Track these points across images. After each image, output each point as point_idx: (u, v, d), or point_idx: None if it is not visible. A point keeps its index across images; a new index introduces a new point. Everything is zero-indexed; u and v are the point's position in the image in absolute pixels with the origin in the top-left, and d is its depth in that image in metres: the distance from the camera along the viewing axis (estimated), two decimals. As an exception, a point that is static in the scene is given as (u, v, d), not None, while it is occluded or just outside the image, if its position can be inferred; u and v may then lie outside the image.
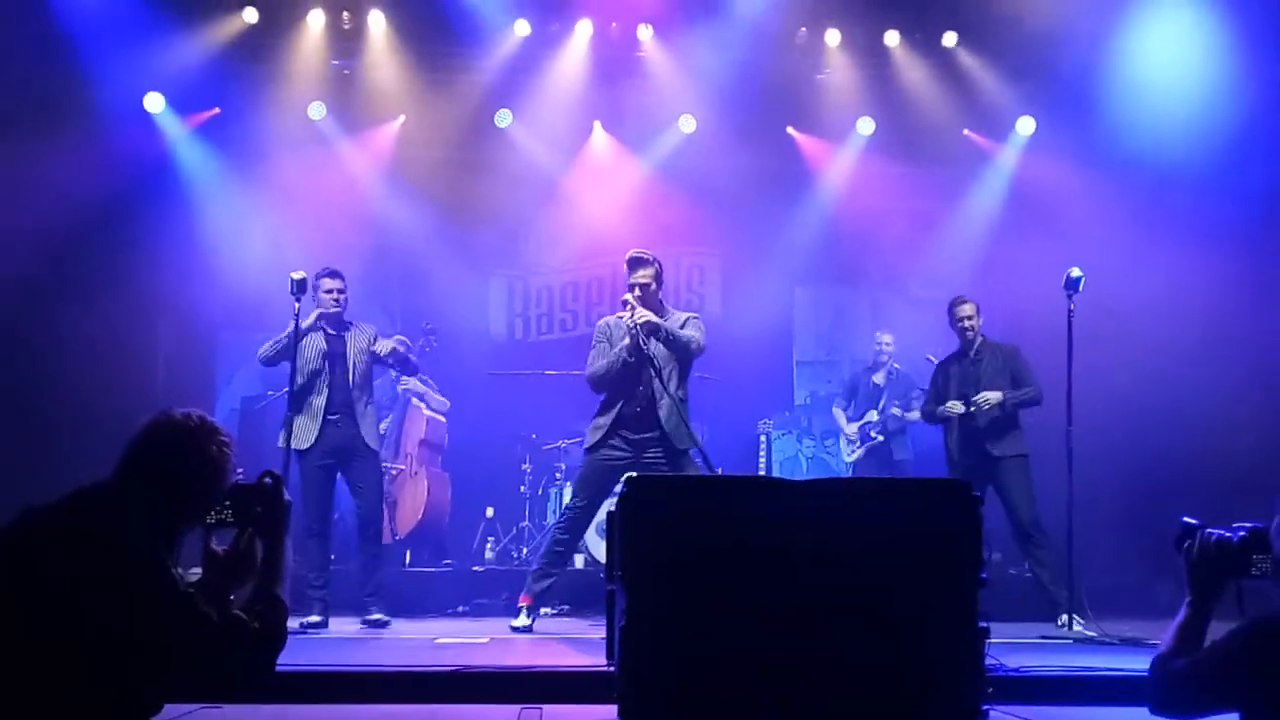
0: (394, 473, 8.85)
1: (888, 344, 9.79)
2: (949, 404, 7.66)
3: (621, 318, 6.65)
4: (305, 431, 7.08)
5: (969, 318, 7.72)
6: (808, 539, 3.56)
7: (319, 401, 7.10)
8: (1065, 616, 6.88)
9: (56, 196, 8.41)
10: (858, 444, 9.72)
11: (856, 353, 10.07)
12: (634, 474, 4.05)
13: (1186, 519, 2.81)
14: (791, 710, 3.48)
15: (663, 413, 6.59)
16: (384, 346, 7.27)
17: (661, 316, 6.71)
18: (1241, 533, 2.70)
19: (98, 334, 8.64)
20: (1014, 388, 7.50)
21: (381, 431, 8.19)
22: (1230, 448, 8.43)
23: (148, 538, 2.66)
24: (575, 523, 6.92)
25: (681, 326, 6.70)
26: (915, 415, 9.43)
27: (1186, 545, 2.77)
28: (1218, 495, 8.22)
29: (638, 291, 6.64)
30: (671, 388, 6.57)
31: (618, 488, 3.82)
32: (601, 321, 6.98)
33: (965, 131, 10.34)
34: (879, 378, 9.79)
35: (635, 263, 6.71)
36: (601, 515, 8.51)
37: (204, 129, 9.82)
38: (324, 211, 9.68)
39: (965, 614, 3.56)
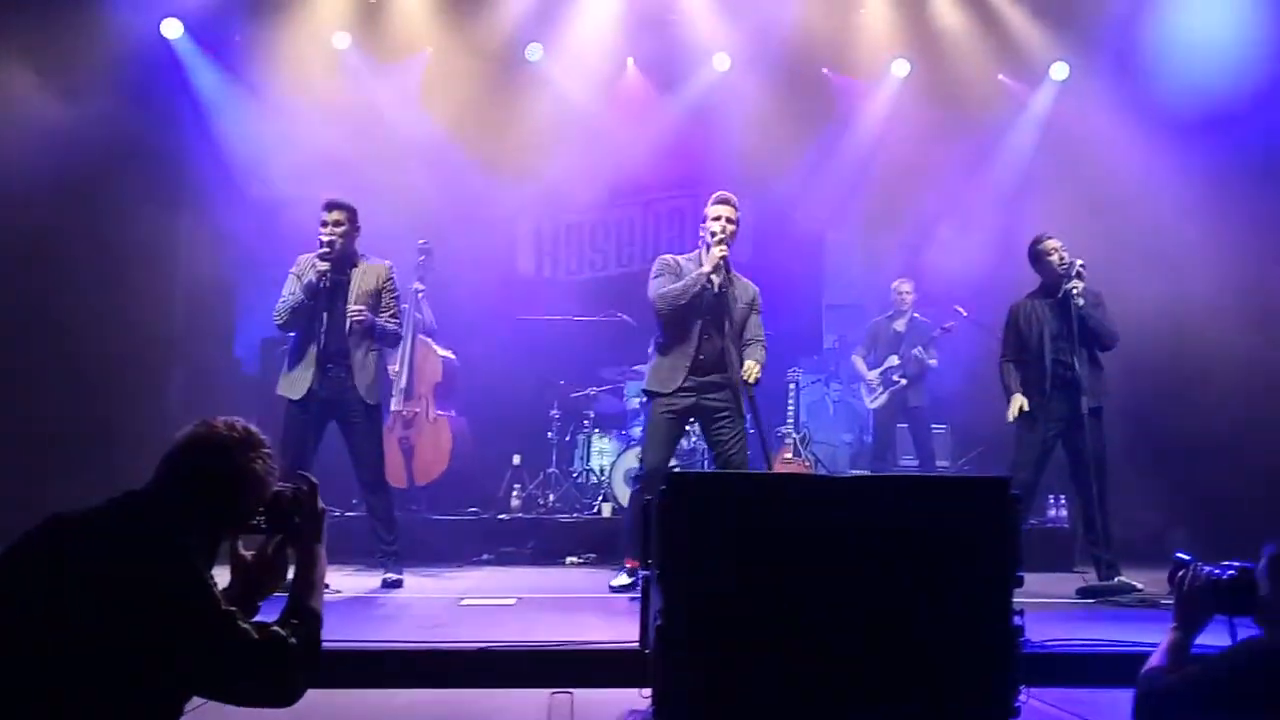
0: (408, 416, 8.59)
1: (907, 292, 9.77)
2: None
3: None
4: (299, 380, 6.52)
5: (1062, 249, 7.01)
6: (846, 536, 3.52)
7: (314, 348, 6.49)
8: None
9: (72, 128, 8.20)
10: (880, 390, 9.71)
11: (887, 297, 9.91)
12: (674, 471, 3.95)
13: (1179, 554, 2.95)
14: (827, 709, 3.46)
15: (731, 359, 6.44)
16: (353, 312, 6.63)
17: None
18: (1231, 571, 2.81)
19: (113, 270, 8.50)
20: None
21: (390, 377, 7.98)
22: (1248, 400, 8.33)
23: (193, 552, 2.59)
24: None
25: None
26: (934, 360, 9.53)
27: (1180, 577, 2.90)
28: (1228, 451, 8.17)
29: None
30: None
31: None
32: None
33: (1000, 76, 10.13)
34: (900, 325, 9.79)
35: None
36: (629, 463, 8.48)
37: (224, 57, 9.61)
38: (348, 145, 9.45)
39: (1000, 612, 3.54)
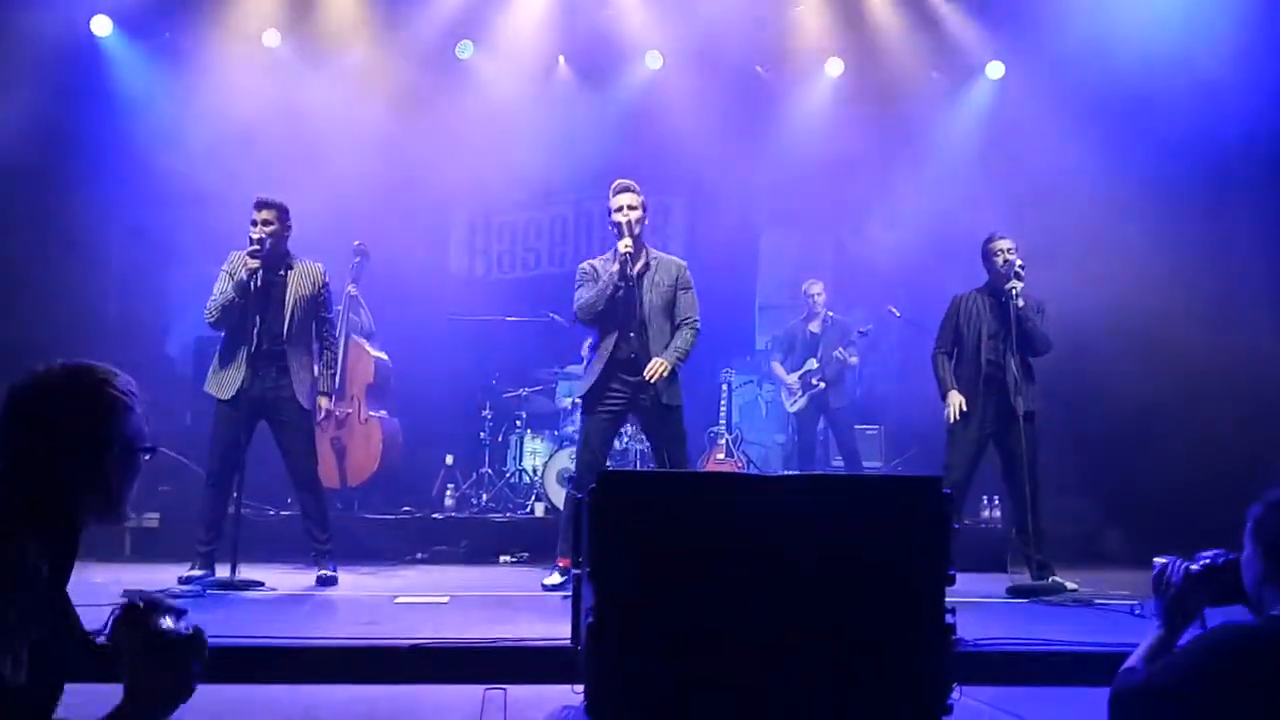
0: (340, 416, 8.46)
1: (818, 294, 9.82)
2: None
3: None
4: (229, 380, 6.46)
5: (1010, 250, 7.03)
6: (777, 534, 3.53)
7: (246, 348, 6.40)
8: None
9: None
10: (800, 394, 9.71)
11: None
12: (607, 470, 3.98)
13: (1157, 559, 2.87)
14: (760, 707, 3.47)
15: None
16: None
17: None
18: (1205, 560, 2.78)
19: (42, 268, 8.37)
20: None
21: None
22: (1179, 395, 8.43)
23: (22, 540, 2.07)
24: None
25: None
26: (855, 359, 9.59)
27: (1164, 580, 2.84)
28: (1161, 447, 8.33)
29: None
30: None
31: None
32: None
33: (934, 74, 10.23)
34: (814, 326, 9.82)
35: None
36: (562, 463, 8.52)
37: (154, 55, 9.50)
38: (279, 142, 9.30)
39: (933, 611, 3.55)
